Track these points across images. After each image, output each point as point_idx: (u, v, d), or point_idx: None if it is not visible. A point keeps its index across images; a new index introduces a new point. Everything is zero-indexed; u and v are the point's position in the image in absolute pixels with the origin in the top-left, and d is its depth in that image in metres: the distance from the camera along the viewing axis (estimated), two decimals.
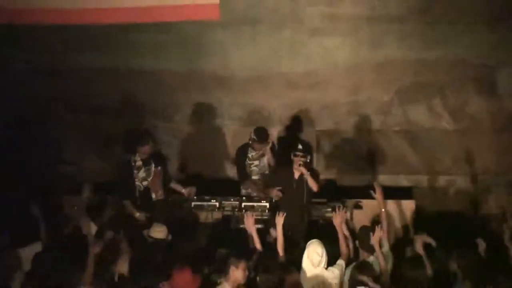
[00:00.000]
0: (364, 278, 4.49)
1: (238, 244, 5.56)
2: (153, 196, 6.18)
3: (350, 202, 6.57)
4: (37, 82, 7.19)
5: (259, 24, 6.73)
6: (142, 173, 6.09)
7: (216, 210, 6.40)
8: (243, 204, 6.35)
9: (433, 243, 5.28)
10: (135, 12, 5.85)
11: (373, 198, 5.78)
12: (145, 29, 6.57)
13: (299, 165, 6.07)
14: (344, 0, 6.56)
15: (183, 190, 6.25)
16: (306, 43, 6.86)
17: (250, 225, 5.37)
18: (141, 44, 6.90)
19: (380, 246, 5.13)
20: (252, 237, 5.45)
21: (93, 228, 5.52)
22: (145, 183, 6.11)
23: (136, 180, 6.09)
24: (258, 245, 5.30)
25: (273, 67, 7.05)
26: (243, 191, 6.68)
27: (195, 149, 7.29)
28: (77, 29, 6.39)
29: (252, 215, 5.42)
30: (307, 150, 6.27)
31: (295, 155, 6.08)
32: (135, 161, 6.08)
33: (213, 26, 6.60)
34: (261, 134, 6.42)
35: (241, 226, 5.94)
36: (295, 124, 7.45)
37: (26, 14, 5.76)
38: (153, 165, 6.12)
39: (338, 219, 5.35)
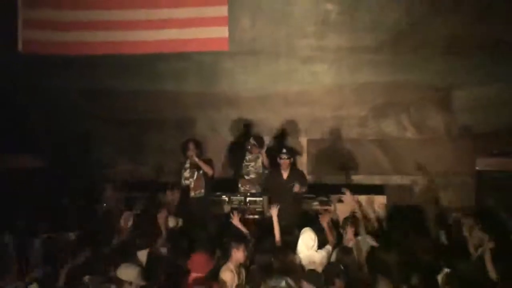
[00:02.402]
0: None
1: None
2: (192, 193, 6.98)
3: (334, 197, 7.21)
4: (83, 101, 7.80)
5: (260, 54, 7.09)
6: (186, 173, 6.98)
7: (226, 203, 7.13)
8: (247, 199, 7.07)
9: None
10: (160, 44, 6.15)
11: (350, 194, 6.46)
12: (168, 58, 6.89)
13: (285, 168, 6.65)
14: (329, 34, 6.86)
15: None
16: (299, 69, 7.28)
17: (237, 222, 6.00)
18: (165, 70, 7.32)
19: (358, 233, 5.86)
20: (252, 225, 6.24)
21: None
22: (187, 181, 6.97)
23: (182, 177, 7.01)
24: (244, 230, 5.88)
25: (272, 88, 7.54)
26: (241, 188, 7.32)
27: (207, 155, 7.49)
28: (114, 59, 6.54)
29: (238, 215, 6.05)
30: (290, 153, 6.87)
31: (281, 158, 6.75)
32: (185, 163, 7.00)
33: (223, 56, 6.95)
34: (259, 141, 7.23)
35: (246, 216, 6.72)
36: (281, 134, 8.06)
37: (78, 47, 6.11)
38: (196, 170, 6.98)
39: (325, 219, 5.88)
